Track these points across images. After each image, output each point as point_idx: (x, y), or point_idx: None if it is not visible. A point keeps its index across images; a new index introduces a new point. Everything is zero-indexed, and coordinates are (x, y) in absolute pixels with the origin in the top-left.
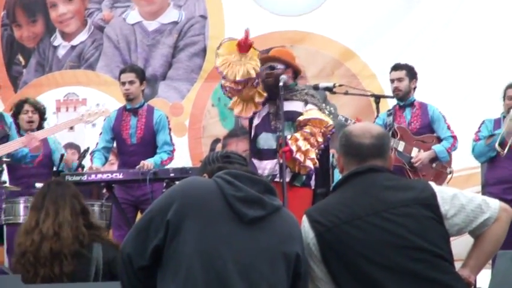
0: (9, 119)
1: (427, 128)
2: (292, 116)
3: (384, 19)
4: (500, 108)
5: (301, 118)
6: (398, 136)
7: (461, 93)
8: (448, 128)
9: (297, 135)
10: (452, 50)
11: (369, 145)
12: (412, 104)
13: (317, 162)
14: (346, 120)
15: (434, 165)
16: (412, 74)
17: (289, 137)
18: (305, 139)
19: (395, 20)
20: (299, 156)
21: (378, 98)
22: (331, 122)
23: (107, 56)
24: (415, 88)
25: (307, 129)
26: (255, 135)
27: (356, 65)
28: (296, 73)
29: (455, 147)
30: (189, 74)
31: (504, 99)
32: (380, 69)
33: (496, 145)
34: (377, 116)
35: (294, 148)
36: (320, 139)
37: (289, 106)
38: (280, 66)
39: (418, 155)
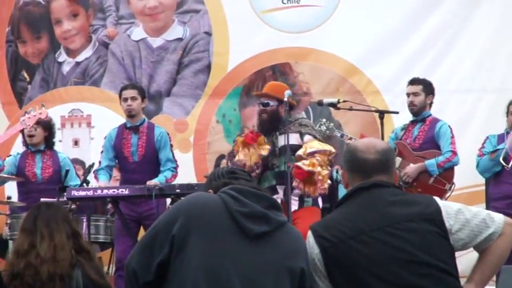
0: None
1: (430, 144)
2: (290, 150)
3: (388, 36)
4: (503, 124)
5: (301, 152)
6: (397, 152)
7: (467, 109)
8: (451, 143)
9: (314, 161)
10: (457, 67)
11: (373, 160)
12: (424, 120)
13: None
14: (342, 136)
15: (431, 181)
16: (428, 89)
17: (306, 162)
18: (320, 165)
19: (401, 37)
20: (321, 180)
21: (382, 114)
22: (333, 150)
23: (111, 72)
24: (431, 104)
25: (318, 157)
26: (260, 175)
27: (360, 82)
28: (291, 106)
29: (453, 162)
30: (193, 90)
31: (508, 115)
32: (384, 85)
33: (501, 159)
34: (392, 131)
35: (313, 169)
36: (329, 167)
37: (285, 140)
38: (273, 103)
39: (406, 168)
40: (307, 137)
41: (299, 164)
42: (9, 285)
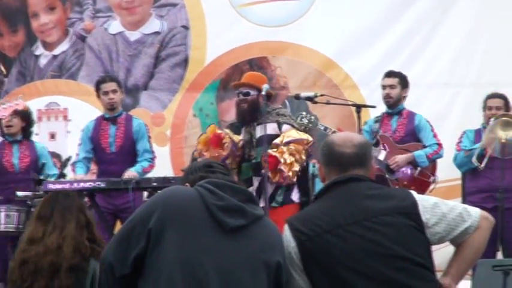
0: None
1: (411, 136)
2: (267, 139)
3: (366, 30)
4: (480, 118)
5: (278, 140)
6: (381, 145)
7: (443, 104)
8: (434, 136)
9: (284, 148)
10: (434, 62)
11: (350, 154)
12: (400, 113)
13: (297, 176)
14: (326, 129)
15: (416, 173)
16: (404, 82)
17: (275, 150)
18: (291, 154)
19: (378, 32)
20: (283, 168)
21: (359, 108)
22: (310, 138)
23: (88, 65)
24: (405, 97)
25: (292, 146)
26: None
27: (338, 76)
28: (268, 97)
29: (439, 155)
30: (170, 84)
31: (484, 110)
32: (362, 80)
33: (474, 159)
34: (364, 123)
35: (280, 158)
36: (304, 156)
37: (263, 131)
38: (253, 93)
39: (395, 157)
40: (285, 127)
41: (269, 151)
42: (15, 271)
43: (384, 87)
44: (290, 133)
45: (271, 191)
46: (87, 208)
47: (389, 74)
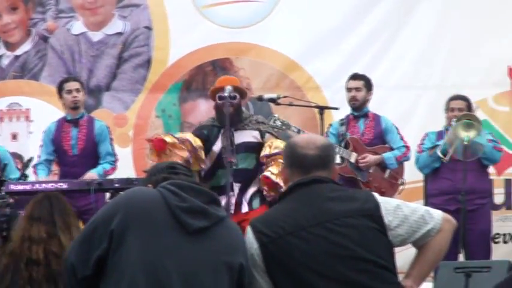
0: None
1: (379, 139)
2: (247, 147)
3: (329, 32)
4: (443, 120)
5: (267, 151)
6: (351, 147)
7: (406, 106)
8: (401, 138)
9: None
10: (397, 64)
11: (313, 156)
12: (366, 115)
13: None
14: (299, 131)
15: (386, 175)
16: (369, 85)
17: (275, 171)
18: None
19: (341, 33)
20: (279, 180)
21: (322, 110)
22: None
23: (51, 66)
24: (369, 100)
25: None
26: (213, 172)
27: (301, 78)
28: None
29: (407, 158)
30: (133, 85)
31: (447, 112)
32: (325, 81)
33: (439, 152)
34: (329, 126)
35: (275, 180)
36: None
37: (242, 137)
38: (238, 97)
39: (366, 156)
40: (267, 136)
41: (267, 174)
42: (23, 271)
43: (349, 89)
44: (276, 144)
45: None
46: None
47: (355, 77)
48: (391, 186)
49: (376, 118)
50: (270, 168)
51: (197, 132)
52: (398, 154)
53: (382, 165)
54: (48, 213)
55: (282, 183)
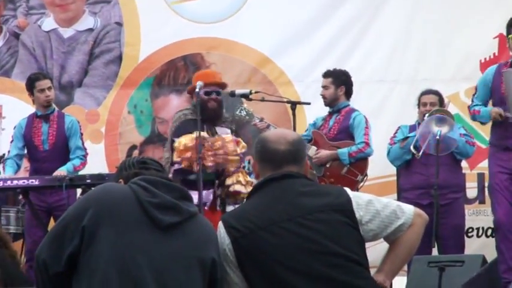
0: None
1: (344, 134)
2: None
3: (300, 27)
4: (415, 115)
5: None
6: (312, 141)
7: (378, 100)
8: (365, 134)
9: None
10: (368, 58)
11: (284, 151)
12: (339, 111)
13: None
14: (261, 120)
15: (343, 171)
16: (339, 80)
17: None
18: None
19: (312, 28)
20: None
21: (294, 105)
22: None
23: (22, 63)
24: (348, 93)
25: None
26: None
27: (272, 72)
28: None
29: (365, 153)
30: (105, 81)
31: (419, 106)
32: (296, 76)
33: (411, 147)
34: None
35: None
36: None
37: (221, 132)
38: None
39: (319, 151)
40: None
41: (237, 188)
42: None
43: (322, 87)
44: (244, 144)
45: None
46: None
47: (324, 75)
48: (348, 182)
49: (348, 113)
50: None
51: (184, 130)
52: (354, 150)
53: (339, 161)
54: None
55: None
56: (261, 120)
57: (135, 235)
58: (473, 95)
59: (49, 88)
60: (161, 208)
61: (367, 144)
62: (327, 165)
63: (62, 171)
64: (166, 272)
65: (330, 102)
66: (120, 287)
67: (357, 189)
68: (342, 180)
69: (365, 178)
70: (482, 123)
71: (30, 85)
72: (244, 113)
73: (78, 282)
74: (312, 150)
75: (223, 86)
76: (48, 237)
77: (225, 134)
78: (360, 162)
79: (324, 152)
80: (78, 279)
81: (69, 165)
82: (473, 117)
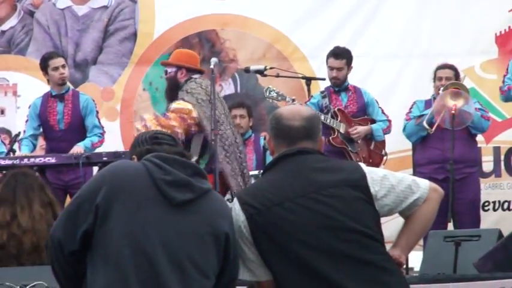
0: None
1: (362, 112)
2: None
3: (315, 2)
4: (430, 90)
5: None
6: (339, 118)
7: (393, 75)
8: (382, 112)
9: (146, 115)
10: (383, 33)
11: (298, 127)
12: (347, 88)
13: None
14: (293, 100)
15: (371, 147)
16: (350, 61)
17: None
18: (155, 118)
19: (327, 3)
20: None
21: (308, 81)
22: (189, 107)
23: (37, 41)
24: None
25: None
26: None
27: (287, 48)
28: (192, 71)
29: (389, 131)
30: (120, 58)
31: (434, 81)
32: (311, 52)
33: (425, 123)
34: (311, 97)
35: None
36: (176, 124)
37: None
38: (170, 70)
39: (357, 127)
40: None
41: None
42: None
43: (331, 68)
44: (173, 104)
45: None
46: (47, 186)
47: (336, 55)
48: (377, 157)
49: (357, 91)
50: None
51: None
52: (384, 127)
53: (367, 137)
54: (12, 194)
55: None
56: (293, 101)
57: (148, 212)
58: (504, 75)
59: (63, 66)
60: (174, 185)
61: (390, 122)
62: (358, 141)
63: (79, 148)
64: (180, 248)
65: (341, 83)
66: (133, 263)
67: (383, 164)
68: (373, 155)
69: (386, 154)
70: None
71: (44, 64)
72: (275, 94)
73: (92, 260)
74: (342, 128)
75: (167, 64)
76: (62, 216)
77: None
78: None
79: (362, 128)
80: (92, 257)
81: (87, 141)
82: (507, 96)
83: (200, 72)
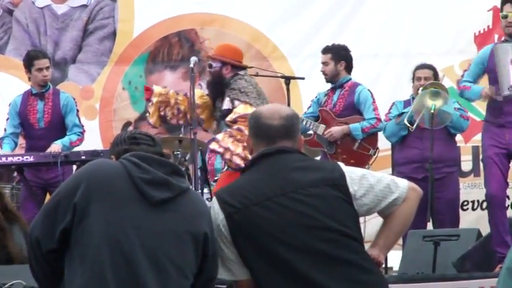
0: None
1: (351, 110)
2: (224, 114)
3: (294, 1)
4: (410, 89)
5: (228, 118)
6: (320, 119)
7: (372, 75)
8: (374, 109)
9: (219, 136)
10: (362, 32)
11: (277, 126)
12: (342, 86)
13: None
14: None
15: (355, 147)
16: (338, 56)
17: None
18: (230, 136)
19: (306, 2)
20: (228, 156)
21: (288, 80)
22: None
23: (16, 39)
24: (348, 68)
25: (235, 126)
26: None
27: (266, 47)
28: (238, 68)
29: (377, 129)
30: (99, 57)
31: (413, 81)
32: (290, 51)
33: (405, 121)
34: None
35: (217, 149)
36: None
37: (223, 104)
38: (216, 65)
39: (330, 129)
40: (236, 103)
41: (212, 147)
42: None
43: (321, 63)
44: (237, 109)
45: None
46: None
47: (323, 51)
48: (361, 158)
49: (352, 88)
50: (221, 143)
51: None
52: (366, 125)
53: (351, 137)
54: None
55: (228, 157)
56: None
57: (126, 211)
58: (465, 70)
59: (47, 68)
60: (153, 184)
61: (379, 119)
62: (338, 142)
63: (57, 145)
64: (158, 247)
65: (331, 78)
66: (112, 262)
67: (370, 164)
68: (355, 155)
69: (377, 152)
70: (469, 101)
71: (29, 62)
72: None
73: (70, 259)
74: (320, 129)
75: (212, 58)
76: (41, 214)
77: (225, 106)
78: (370, 137)
79: (336, 128)
80: (70, 255)
81: (65, 139)
82: (462, 93)
83: (245, 68)
